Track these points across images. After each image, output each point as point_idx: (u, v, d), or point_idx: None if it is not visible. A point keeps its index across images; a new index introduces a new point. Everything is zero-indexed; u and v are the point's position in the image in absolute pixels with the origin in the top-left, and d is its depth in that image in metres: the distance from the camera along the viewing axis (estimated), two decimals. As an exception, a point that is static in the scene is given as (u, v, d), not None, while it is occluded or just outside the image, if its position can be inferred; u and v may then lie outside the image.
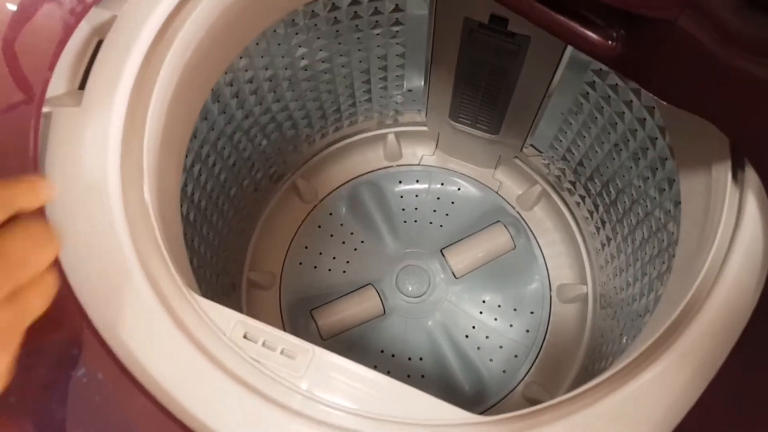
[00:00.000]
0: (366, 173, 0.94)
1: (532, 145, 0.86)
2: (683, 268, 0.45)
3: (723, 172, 0.41)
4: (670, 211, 0.58)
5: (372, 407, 0.38)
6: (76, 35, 0.44)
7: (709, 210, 0.43)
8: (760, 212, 0.39)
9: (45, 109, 0.42)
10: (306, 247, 0.89)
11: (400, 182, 0.94)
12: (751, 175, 0.40)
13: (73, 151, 0.42)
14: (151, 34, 0.45)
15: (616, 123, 0.64)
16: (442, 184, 0.94)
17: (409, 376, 0.83)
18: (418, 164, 0.95)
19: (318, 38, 0.69)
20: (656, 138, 0.58)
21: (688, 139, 0.48)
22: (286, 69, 0.70)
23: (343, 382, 0.38)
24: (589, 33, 0.39)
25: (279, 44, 0.65)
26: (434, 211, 0.92)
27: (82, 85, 0.44)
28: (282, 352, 0.39)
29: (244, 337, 0.40)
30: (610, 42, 0.38)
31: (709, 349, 0.37)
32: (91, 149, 0.42)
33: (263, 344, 0.39)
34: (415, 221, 0.91)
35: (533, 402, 0.79)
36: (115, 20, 0.45)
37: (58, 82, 0.43)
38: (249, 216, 0.86)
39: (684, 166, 0.49)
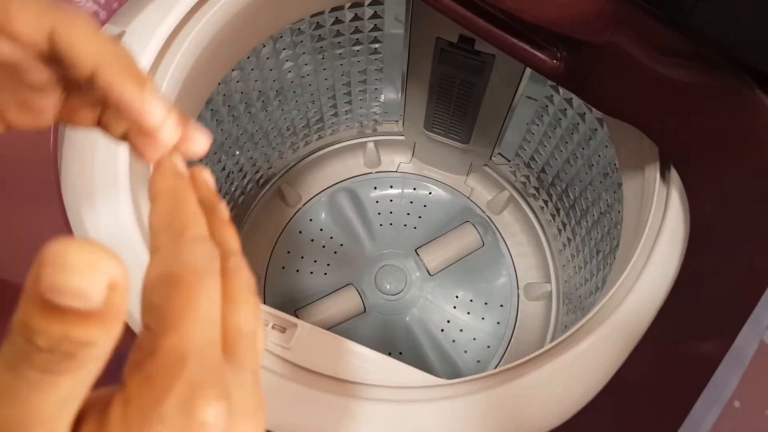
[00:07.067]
0: (344, 180, 1.00)
1: (500, 154, 0.94)
2: (621, 260, 0.52)
3: (653, 173, 0.48)
4: (619, 211, 0.65)
5: (353, 373, 0.43)
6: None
7: (642, 205, 0.50)
8: (682, 207, 0.46)
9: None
10: (288, 252, 0.95)
11: (375, 188, 1.00)
12: (675, 174, 0.47)
13: (86, 155, 0.47)
14: (156, 49, 0.51)
15: (572, 133, 0.72)
16: (414, 189, 1.00)
17: (388, 369, 0.88)
18: (396, 171, 1.02)
19: (303, 53, 0.75)
20: (606, 147, 0.65)
21: (627, 146, 0.55)
22: (274, 81, 0.76)
23: (327, 351, 0.44)
24: (538, 53, 0.45)
25: (268, 58, 0.71)
26: (408, 214, 0.98)
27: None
28: (273, 327, 0.45)
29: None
30: (554, 61, 0.45)
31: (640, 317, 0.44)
32: (103, 153, 0.47)
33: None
34: (391, 224, 0.97)
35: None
36: (124, 35, 0.51)
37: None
38: (235, 218, 0.91)
39: (625, 170, 0.56)
